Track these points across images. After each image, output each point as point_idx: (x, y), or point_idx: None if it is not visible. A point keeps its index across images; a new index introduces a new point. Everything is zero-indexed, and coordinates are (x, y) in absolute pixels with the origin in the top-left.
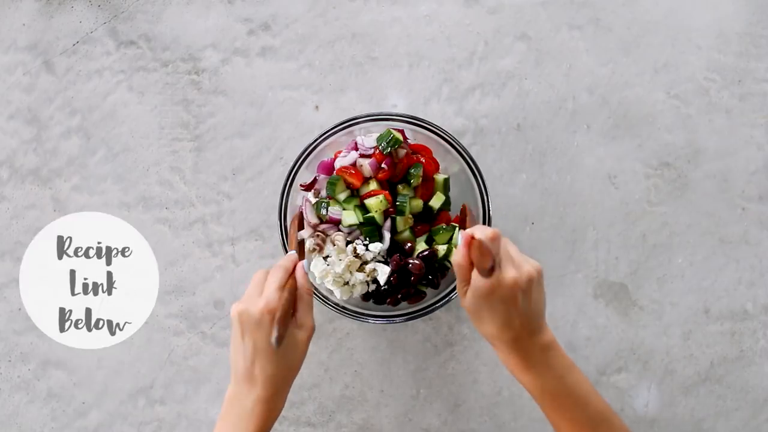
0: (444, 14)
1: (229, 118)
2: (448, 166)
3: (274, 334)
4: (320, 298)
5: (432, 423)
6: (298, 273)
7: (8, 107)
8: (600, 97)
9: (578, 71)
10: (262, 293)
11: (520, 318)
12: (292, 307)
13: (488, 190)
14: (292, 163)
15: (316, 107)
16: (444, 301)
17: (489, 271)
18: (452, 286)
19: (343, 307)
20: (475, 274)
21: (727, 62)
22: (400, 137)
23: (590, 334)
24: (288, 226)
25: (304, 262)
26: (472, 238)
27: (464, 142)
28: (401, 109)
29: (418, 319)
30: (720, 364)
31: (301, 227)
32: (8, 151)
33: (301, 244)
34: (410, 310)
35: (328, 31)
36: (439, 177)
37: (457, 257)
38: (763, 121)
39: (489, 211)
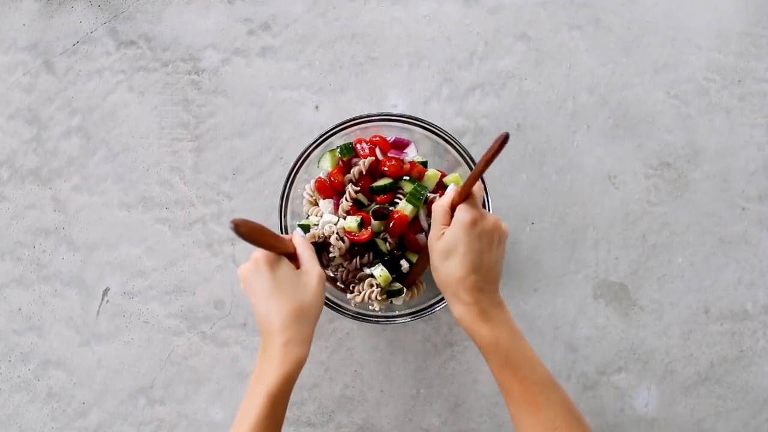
0: (444, 14)
1: (229, 118)
2: (449, 166)
3: (232, 225)
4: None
5: (432, 423)
6: (295, 235)
7: (8, 107)
8: (600, 97)
9: (578, 71)
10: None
11: (488, 266)
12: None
13: (488, 189)
14: (292, 163)
15: (316, 107)
16: (444, 301)
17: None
18: None
19: (343, 307)
20: (461, 208)
21: (727, 62)
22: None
23: (590, 334)
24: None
25: (300, 230)
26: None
27: (464, 142)
28: (401, 109)
29: (418, 319)
30: (720, 364)
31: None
32: (8, 151)
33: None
34: (410, 310)
35: (328, 31)
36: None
37: (443, 201)
38: (763, 121)
39: (489, 210)
